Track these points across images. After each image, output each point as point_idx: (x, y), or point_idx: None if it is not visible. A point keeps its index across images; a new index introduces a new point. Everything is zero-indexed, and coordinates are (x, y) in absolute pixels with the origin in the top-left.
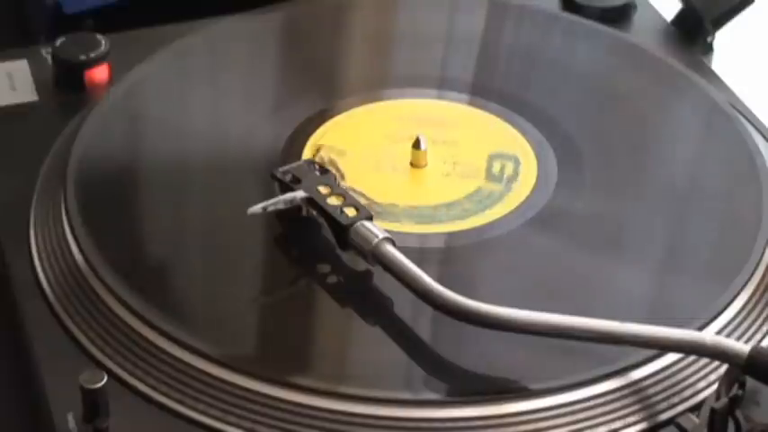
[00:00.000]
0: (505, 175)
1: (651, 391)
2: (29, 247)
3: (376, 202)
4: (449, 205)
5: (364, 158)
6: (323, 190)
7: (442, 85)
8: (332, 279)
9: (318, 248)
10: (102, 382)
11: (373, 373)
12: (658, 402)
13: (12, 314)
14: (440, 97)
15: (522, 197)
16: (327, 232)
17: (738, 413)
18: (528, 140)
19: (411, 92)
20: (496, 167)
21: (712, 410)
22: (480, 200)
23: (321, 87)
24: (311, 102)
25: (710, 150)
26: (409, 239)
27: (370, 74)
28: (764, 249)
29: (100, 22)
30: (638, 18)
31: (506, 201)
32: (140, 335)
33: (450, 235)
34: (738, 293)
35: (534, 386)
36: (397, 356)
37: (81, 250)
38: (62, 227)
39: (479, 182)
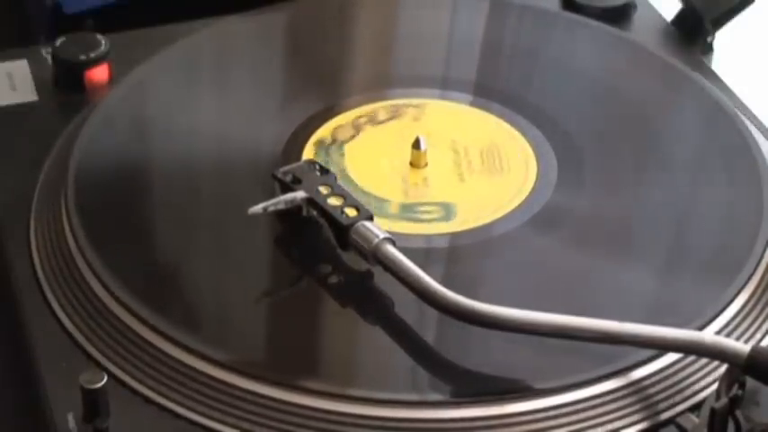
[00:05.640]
0: (422, 218)
1: (651, 390)
2: (29, 248)
3: (342, 169)
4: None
5: (384, 142)
6: (323, 190)
7: (443, 84)
8: (333, 279)
9: (319, 249)
10: (102, 382)
11: (374, 373)
12: (658, 402)
13: (12, 314)
14: (442, 97)
15: (522, 197)
16: (328, 232)
17: (738, 413)
18: (528, 140)
19: (412, 92)
20: (425, 211)
21: (712, 410)
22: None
23: (322, 87)
24: (312, 101)
25: (711, 150)
26: None
27: (371, 73)
28: (764, 249)
29: (100, 22)
30: (638, 18)
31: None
32: (140, 336)
33: (451, 235)
34: (738, 293)
35: (535, 386)
36: (398, 357)
37: (81, 251)
38: (63, 227)
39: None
